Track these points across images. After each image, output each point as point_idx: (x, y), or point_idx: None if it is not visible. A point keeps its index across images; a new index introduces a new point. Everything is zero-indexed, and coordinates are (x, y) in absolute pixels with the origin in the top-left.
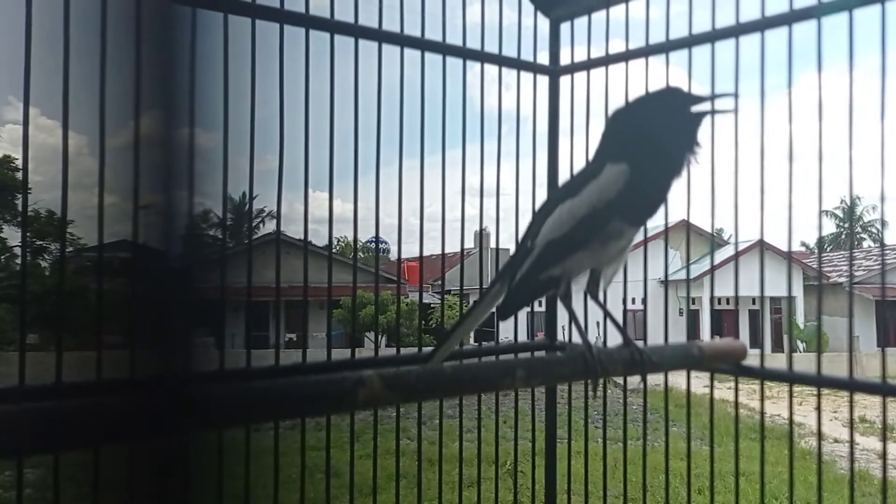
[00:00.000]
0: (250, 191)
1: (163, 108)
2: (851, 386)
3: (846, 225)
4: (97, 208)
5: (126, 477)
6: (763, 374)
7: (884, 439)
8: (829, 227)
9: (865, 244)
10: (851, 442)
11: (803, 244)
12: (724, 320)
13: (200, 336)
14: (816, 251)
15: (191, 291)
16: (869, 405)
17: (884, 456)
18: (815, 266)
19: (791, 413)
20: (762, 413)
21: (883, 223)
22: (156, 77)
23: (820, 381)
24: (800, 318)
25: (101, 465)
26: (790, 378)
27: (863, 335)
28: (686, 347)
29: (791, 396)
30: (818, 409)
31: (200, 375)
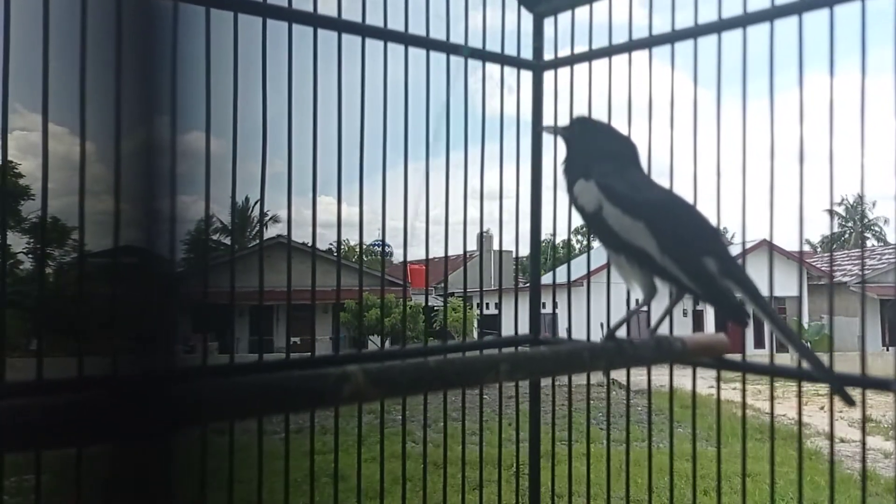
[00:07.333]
0: (261, 193)
1: (151, 107)
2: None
3: (849, 224)
4: (81, 211)
5: (109, 474)
6: (745, 368)
7: (863, 432)
8: (832, 226)
9: (869, 243)
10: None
11: (807, 241)
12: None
13: (191, 338)
14: (819, 250)
15: (179, 294)
16: (874, 404)
17: (863, 455)
18: (818, 266)
19: (792, 411)
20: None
21: (885, 221)
22: (143, 79)
23: (801, 375)
24: (804, 318)
25: (85, 463)
26: (771, 371)
27: (867, 334)
28: (669, 341)
29: (794, 395)
30: (814, 406)
31: (181, 371)
